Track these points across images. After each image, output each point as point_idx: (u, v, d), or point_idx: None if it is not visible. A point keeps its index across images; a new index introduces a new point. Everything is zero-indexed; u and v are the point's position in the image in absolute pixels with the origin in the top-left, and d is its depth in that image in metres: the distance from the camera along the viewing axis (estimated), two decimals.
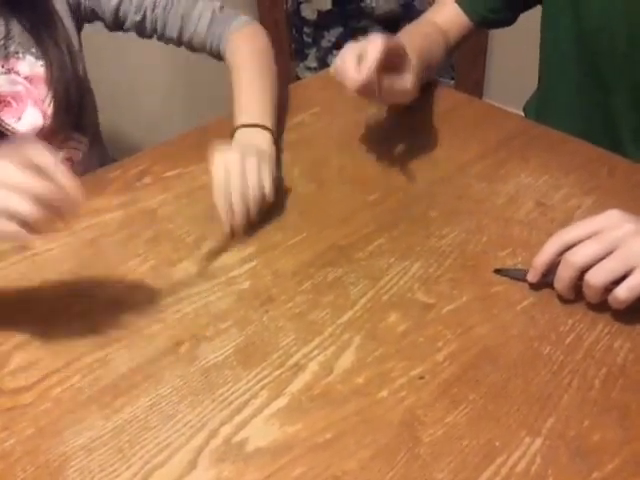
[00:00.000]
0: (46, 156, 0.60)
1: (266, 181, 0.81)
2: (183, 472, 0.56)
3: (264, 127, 0.91)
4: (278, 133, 0.97)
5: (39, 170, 0.59)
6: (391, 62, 0.81)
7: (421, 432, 0.58)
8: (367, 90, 0.79)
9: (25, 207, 0.57)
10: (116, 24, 1.08)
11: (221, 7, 1.07)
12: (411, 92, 0.87)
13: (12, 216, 0.58)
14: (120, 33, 1.11)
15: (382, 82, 0.82)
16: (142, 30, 1.08)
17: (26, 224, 0.58)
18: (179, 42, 1.09)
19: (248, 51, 1.04)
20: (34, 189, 0.58)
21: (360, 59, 0.78)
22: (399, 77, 0.85)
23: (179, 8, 1.05)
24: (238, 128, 0.91)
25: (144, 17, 1.06)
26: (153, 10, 1.05)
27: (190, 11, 1.06)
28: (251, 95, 0.97)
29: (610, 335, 0.65)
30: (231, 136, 0.90)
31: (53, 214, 0.60)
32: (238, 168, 0.79)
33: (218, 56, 1.08)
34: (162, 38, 1.09)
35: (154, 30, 1.08)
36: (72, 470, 0.57)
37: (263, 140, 0.89)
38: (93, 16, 1.07)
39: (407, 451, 0.56)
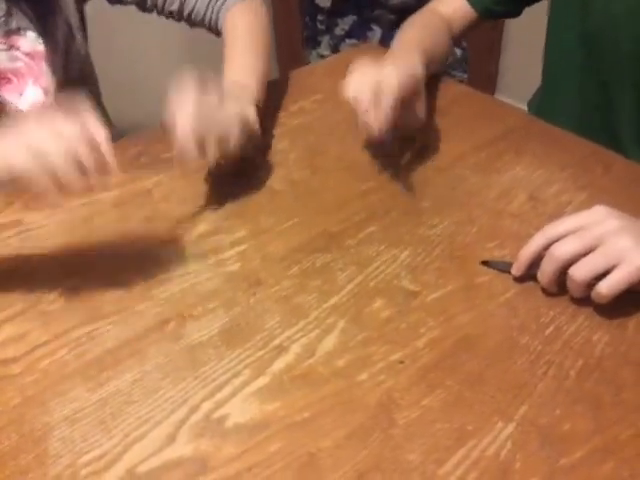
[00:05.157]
0: (98, 127, 0.65)
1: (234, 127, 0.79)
2: (162, 445, 0.58)
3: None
4: (277, 118, 0.98)
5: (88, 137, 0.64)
6: (406, 98, 0.81)
7: (396, 414, 0.59)
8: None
9: (63, 166, 0.63)
10: None
11: None
12: (423, 120, 0.87)
13: (49, 169, 0.63)
14: (125, 13, 1.12)
15: (397, 119, 0.81)
16: (143, 3, 1.08)
17: (57, 181, 0.64)
18: (179, 16, 1.09)
19: (243, 28, 1.03)
20: (80, 153, 0.64)
21: (376, 98, 0.77)
22: (412, 109, 0.84)
23: None
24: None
25: None
26: None
27: None
28: (242, 65, 0.96)
29: (589, 328, 0.66)
30: None
31: (85, 180, 0.65)
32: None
33: (216, 31, 1.08)
34: (162, 12, 1.10)
35: (154, 4, 1.08)
36: (55, 439, 0.58)
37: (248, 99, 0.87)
38: None
39: (381, 432, 0.58)
